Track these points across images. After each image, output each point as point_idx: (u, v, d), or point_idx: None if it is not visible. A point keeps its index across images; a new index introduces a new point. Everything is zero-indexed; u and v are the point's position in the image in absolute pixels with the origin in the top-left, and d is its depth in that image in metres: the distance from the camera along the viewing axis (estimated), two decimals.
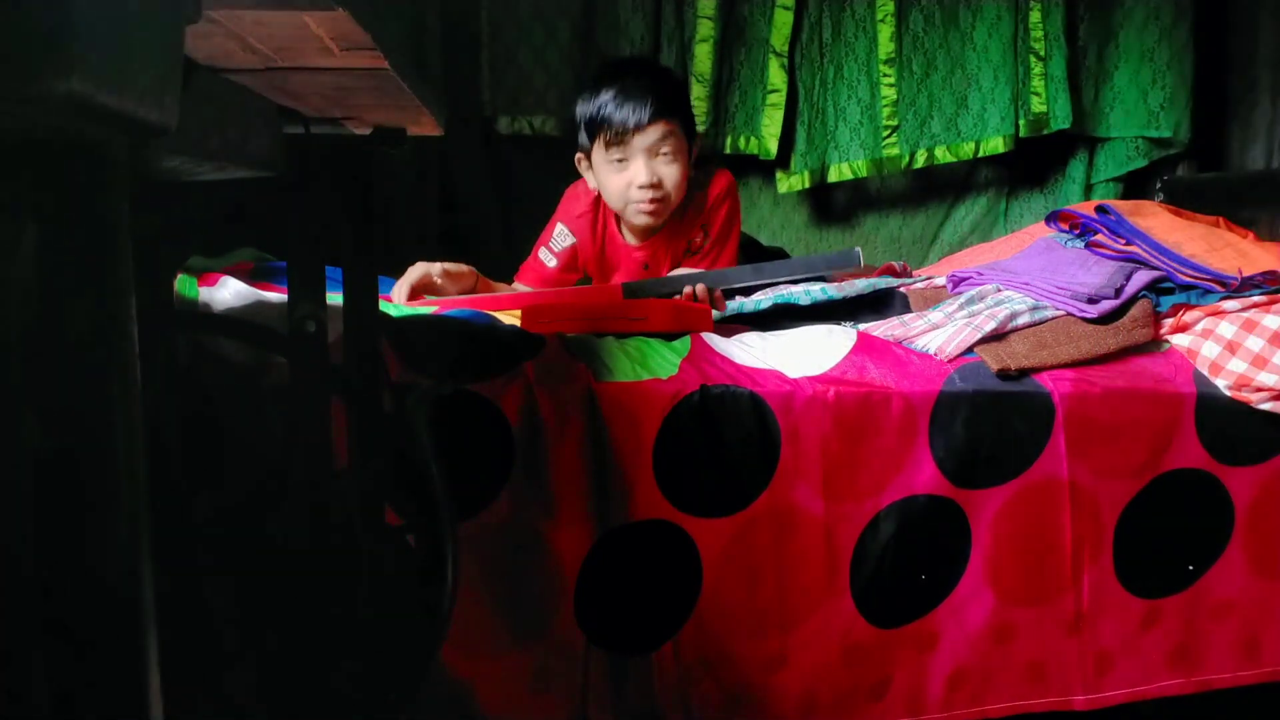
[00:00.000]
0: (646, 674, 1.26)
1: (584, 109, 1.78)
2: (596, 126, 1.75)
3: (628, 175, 1.75)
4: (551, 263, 1.89)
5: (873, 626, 1.32)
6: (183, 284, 1.34)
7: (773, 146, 2.40)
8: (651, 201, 1.74)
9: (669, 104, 1.76)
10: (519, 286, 1.92)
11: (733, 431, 1.26)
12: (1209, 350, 1.41)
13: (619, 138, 1.72)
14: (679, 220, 1.84)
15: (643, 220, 1.77)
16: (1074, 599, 1.37)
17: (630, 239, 1.87)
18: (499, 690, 1.21)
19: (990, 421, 1.32)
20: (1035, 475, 1.33)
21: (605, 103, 1.73)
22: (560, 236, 1.89)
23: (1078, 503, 1.35)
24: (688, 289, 1.57)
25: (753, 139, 2.42)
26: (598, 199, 1.86)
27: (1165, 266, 1.49)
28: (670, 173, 1.75)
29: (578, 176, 1.89)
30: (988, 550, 1.34)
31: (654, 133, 1.73)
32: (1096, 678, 1.39)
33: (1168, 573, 1.41)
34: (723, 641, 1.28)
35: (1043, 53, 2.38)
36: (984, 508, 1.33)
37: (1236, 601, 1.43)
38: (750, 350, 1.35)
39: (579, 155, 1.84)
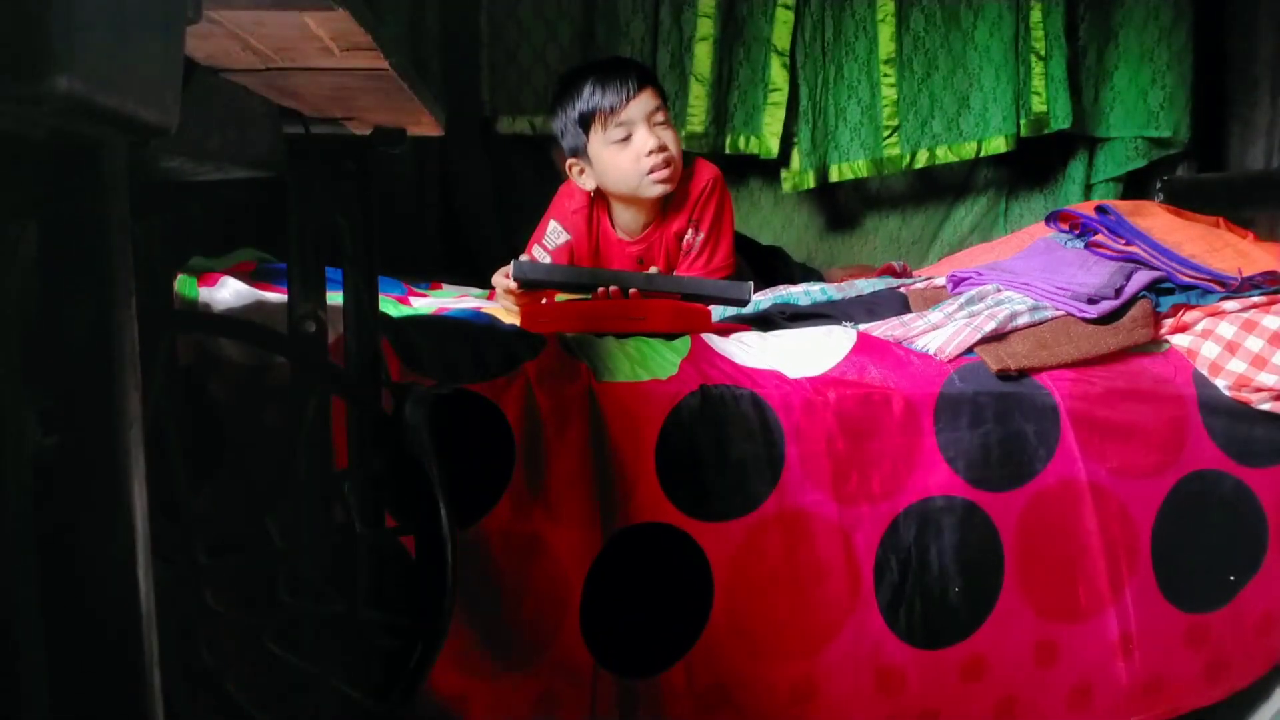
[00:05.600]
0: (656, 699, 1.21)
1: (568, 113, 1.82)
2: (590, 116, 1.79)
3: (634, 148, 1.78)
4: (546, 260, 1.90)
5: (908, 646, 1.27)
6: (183, 284, 1.34)
7: (774, 145, 2.40)
8: (666, 164, 1.77)
9: (647, 75, 1.84)
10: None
11: (735, 431, 1.25)
12: (1209, 350, 1.41)
13: (615, 113, 1.77)
14: (666, 211, 1.85)
15: (658, 189, 1.80)
16: (1117, 614, 1.32)
17: (624, 235, 1.88)
18: (499, 714, 1.18)
19: (995, 421, 1.31)
20: (1052, 476, 1.31)
21: (590, 93, 1.79)
22: (554, 234, 1.90)
23: (1101, 505, 1.31)
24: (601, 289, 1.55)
25: (753, 138, 2.42)
26: (592, 196, 1.87)
27: (1165, 267, 1.49)
28: (670, 137, 1.80)
29: None
30: (1019, 558, 1.29)
31: (646, 99, 1.78)
32: (1146, 698, 1.33)
33: (1211, 584, 1.36)
34: (740, 663, 1.23)
35: (1043, 52, 2.38)
36: (1008, 511, 1.29)
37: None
38: (750, 350, 1.35)
39: (569, 162, 1.86)
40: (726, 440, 1.25)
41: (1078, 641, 1.32)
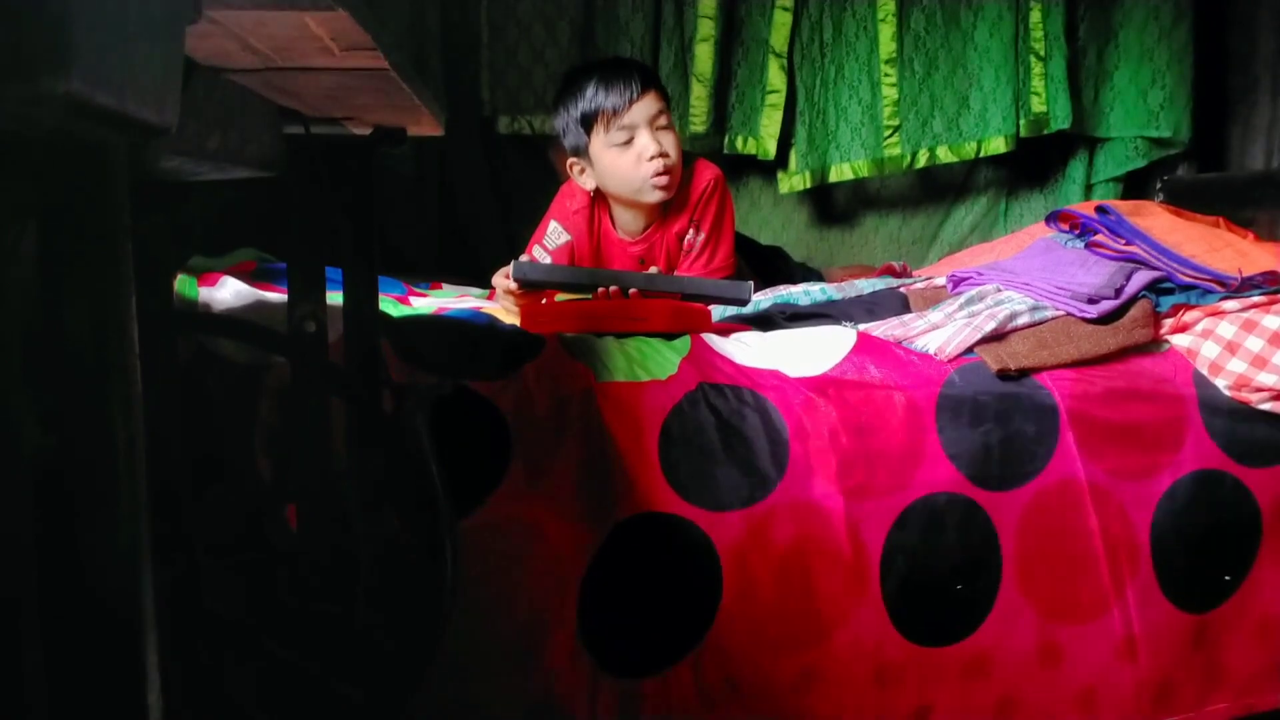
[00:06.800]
0: (663, 697, 1.20)
1: (570, 112, 1.81)
2: (593, 117, 1.78)
3: (635, 151, 1.77)
4: (546, 260, 1.90)
5: (908, 642, 1.27)
6: (183, 284, 1.34)
7: (771, 147, 2.40)
8: (666, 170, 1.77)
9: (651, 77, 1.83)
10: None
11: (738, 428, 1.25)
12: (1209, 350, 1.41)
13: (618, 115, 1.76)
14: (667, 212, 1.85)
15: (657, 195, 1.79)
16: (1120, 616, 1.32)
17: (625, 235, 1.88)
18: (500, 717, 1.17)
19: (995, 421, 1.31)
20: (1051, 476, 1.31)
21: (593, 93, 1.78)
22: (554, 234, 1.90)
23: (1101, 505, 1.32)
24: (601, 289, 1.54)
25: (751, 139, 2.42)
26: (593, 196, 1.87)
27: (1165, 267, 1.49)
28: (671, 141, 1.79)
29: None
30: (1018, 558, 1.30)
31: (649, 102, 1.77)
32: (1155, 704, 1.32)
33: (1209, 584, 1.36)
34: (749, 654, 1.22)
35: (1043, 53, 2.38)
36: (1007, 510, 1.30)
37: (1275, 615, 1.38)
38: (750, 350, 1.35)
39: (570, 161, 1.85)
40: (728, 438, 1.25)
41: (1082, 643, 1.31)
